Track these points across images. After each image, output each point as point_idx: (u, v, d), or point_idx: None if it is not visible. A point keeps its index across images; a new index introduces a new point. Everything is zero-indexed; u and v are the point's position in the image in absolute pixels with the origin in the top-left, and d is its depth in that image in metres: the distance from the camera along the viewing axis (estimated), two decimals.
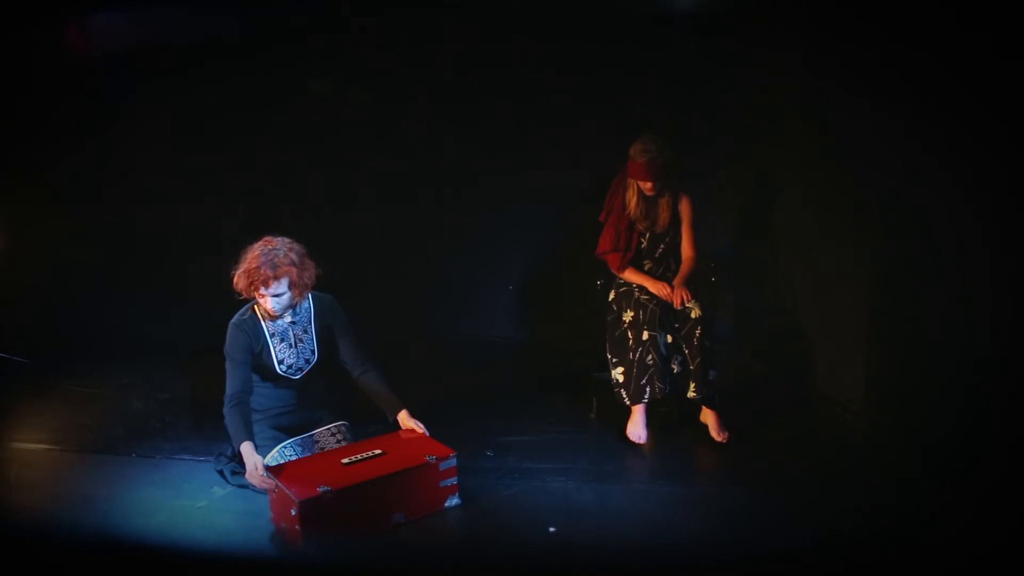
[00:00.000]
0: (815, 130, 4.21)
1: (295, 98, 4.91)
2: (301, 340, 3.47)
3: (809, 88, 4.22)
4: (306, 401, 3.55)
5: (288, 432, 3.45)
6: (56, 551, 2.69)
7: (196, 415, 4.03)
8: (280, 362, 3.43)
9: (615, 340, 3.85)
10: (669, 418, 3.95)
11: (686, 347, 3.76)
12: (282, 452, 3.35)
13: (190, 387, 4.38)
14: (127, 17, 4.48)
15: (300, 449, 3.39)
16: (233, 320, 3.39)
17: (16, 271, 4.92)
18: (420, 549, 3.08)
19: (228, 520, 3.20)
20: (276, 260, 3.24)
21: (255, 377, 3.44)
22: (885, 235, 3.79)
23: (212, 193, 5.06)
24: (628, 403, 3.79)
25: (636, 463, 3.71)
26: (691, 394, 3.75)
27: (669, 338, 3.77)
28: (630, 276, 3.94)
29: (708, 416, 3.81)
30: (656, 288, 3.81)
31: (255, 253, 3.27)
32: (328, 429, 3.50)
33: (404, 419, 3.42)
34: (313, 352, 3.50)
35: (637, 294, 3.84)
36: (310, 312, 3.49)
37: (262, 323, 3.40)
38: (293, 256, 3.28)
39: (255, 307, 3.41)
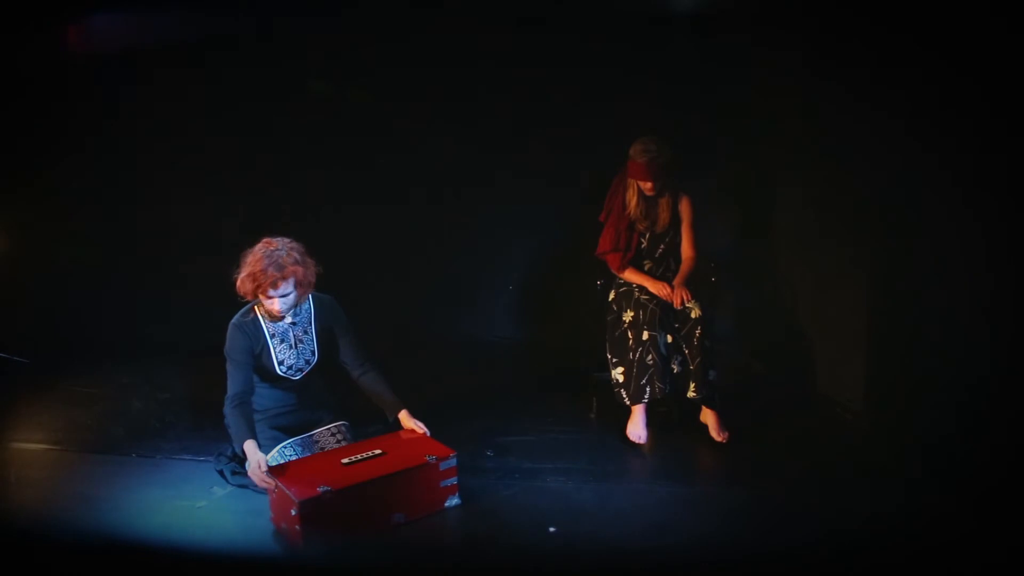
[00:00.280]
0: (815, 130, 4.21)
1: (295, 98, 4.91)
2: (301, 341, 3.47)
3: (809, 88, 4.21)
4: (306, 401, 3.55)
5: (288, 432, 3.45)
6: (56, 551, 2.69)
7: (196, 415, 4.03)
8: (280, 363, 3.43)
9: (615, 340, 3.85)
10: (669, 418, 3.95)
11: (686, 347, 3.76)
12: (282, 452, 3.35)
13: (190, 387, 4.38)
14: (127, 16, 4.48)
15: (300, 449, 3.39)
16: (233, 321, 3.39)
17: (16, 271, 4.92)
18: (420, 549, 3.08)
19: (228, 520, 3.20)
20: (281, 260, 3.24)
21: (255, 378, 3.44)
22: (885, 235, 3.79)
23: (212, 193, 5.06)
24: (628, 403, 3.79)
25: (636, 463, 3.71)
26: (691, 394, 3.75)
27: (669, 338, 3.77)
28: (630, 276, 3.94)
29: (708, 416, 3.81)
30: (656, 288, 3.81)
31: (258, 255, 3.26)
32: (328, 429, 3.50)
33: (405, 419, 3.42)
34: (313, 353, 3.50)
35: (637, 294, 3.84)
36: (310, 313, 3.49)
37: (262, 324, 3.40)
38: (296, 255, 3.28)
39: (255, 308, 3.41)
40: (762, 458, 3.65)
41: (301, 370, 3.49)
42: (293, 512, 2.95)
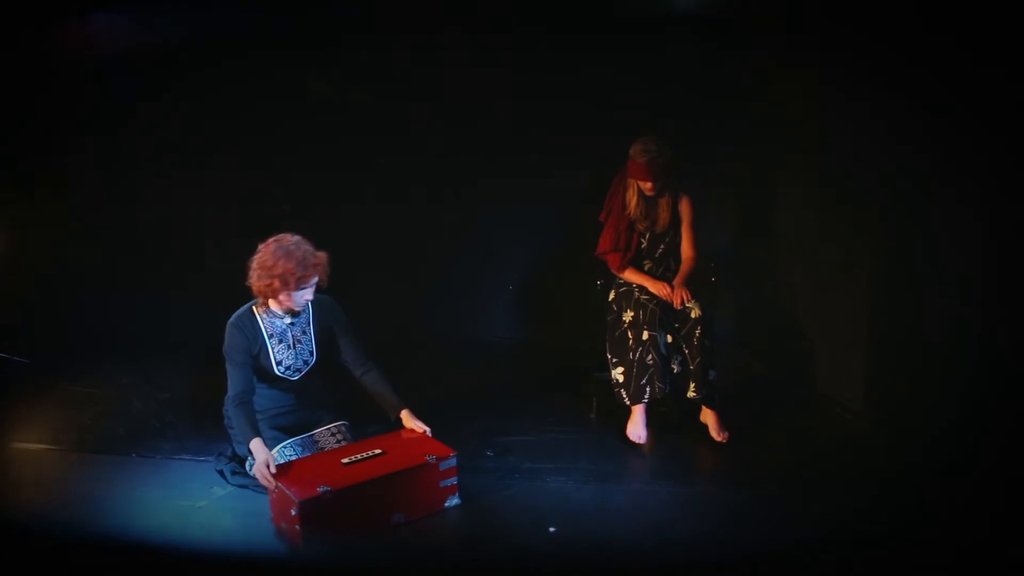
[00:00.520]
0: (815, 130, 4.21)
1: (296, 98, 4.90)
2: (300, 341, 3.47)
3: (809, 88, 4.21)
4: (306, 402, 3.55)
5: (288, 432, 3.45)
6: (56, 551, 2.69)
7: (196, 415, 4.03)
8: (278, 363, 3.43)
9: (615, 340, 3.85)
10: (669, 418, 3.95)
11: (686, 347, 3.76)
12: (282, 452, 3.35)
13: (190, 387, 4.38)
14: (128, 17, 4.48)
15: (300, 449, 3.39)
16: (231, 320, 3.38)
17: (16, 271, 4.92)
18: (420, 549, 3.08)
19: (228, 520, 3.20)
20: (306, 258, 3.25)
21: (254, 378, 3.43)
22: (885, 235, 3.79)
23: (213, 193, 5.06)
24: (628, 403, 3.79)
25: (636, 463, 3.71)
26: (691, 394, 3.75)
27: (669, 338, 3.78)
28: (630, 276, 3.94)
29: (708, 416, 3.81)
30: (656, 288, 3.81)
31: (282, 254, 3.24)
32: (328, 429, 3.50)
33: (407, 419, 3.42)
34: (312, 353, 3.50)
35: (637, 294, 3.84)
36: (309, 313, 3.49)
37: (260, 324, 3.40)
38: (311, 250, 3.30)
39: (254, 307, 3.41)
40: (762, 458, 3.65)
41: (299, 371, 3.49)
42: (293, 512, 2.95)
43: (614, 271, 4.00)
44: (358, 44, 4.74)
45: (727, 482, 3.53)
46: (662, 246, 3.99)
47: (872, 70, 3.67)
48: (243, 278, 3.38)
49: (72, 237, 5.09)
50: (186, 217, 5.07)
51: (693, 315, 3.74)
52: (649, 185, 3.84)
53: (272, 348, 3.41)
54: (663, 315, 3.76)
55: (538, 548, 3.01)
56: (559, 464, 3.61)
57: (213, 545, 3.03)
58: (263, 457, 3.11)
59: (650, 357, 3.72)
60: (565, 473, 3.53)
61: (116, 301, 5.11)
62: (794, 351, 4.44)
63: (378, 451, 3.26)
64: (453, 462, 3.24)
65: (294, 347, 3.45)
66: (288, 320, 3.43)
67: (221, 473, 3.47)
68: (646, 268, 3.99)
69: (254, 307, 3.41)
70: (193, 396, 4.26)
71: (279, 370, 3.43)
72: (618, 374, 3.81)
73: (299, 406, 3.53)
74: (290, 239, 3.29)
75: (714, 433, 3.78)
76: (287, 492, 2.99)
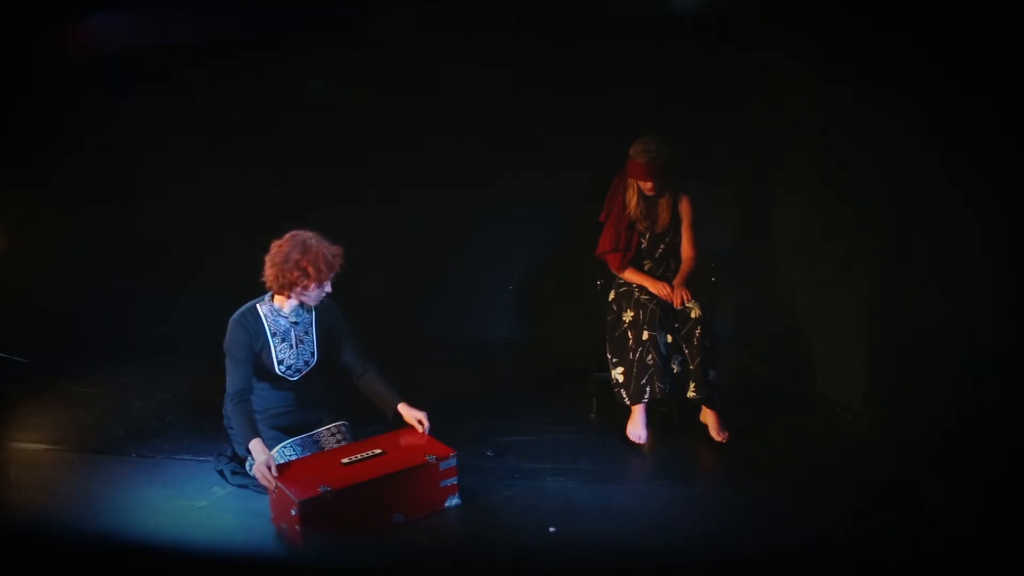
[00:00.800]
0: (815, 130, 4.21)
1: (295, 98, 4.90)
2: (302, 341, 3.47)
3: (809, 88, 4.21)
4: (306, 402, 3.54)
5: (288, 432, 3.44)
6: (56, 551, 2.69)
7: (196, 415, 4.03)
8: (280, 362, 3.43)
9: (615, 340, 3.85)
10: (669, 418, 3.95)
11: (686, 347, 3.76)
12: (282, 452, 3.35)
13: (190, 387, 4.38)
14: (127, 16, 4.48)
15: (300, 449, 3.39)
16: (235, 316, 3.38)
17: (16, 271, 4.92)
18: (420, 549, 3.08)
19: (228, 520, 3.20)
20: (333, 253, 3.28)
21: (253, 377, 3.43)
22: (885, 235, 3.79)
23: (213, 193, 5.06)
24: (628, 403, 3.79)
25: (636, 463, 3.71)
26: (691, 394, 3.75)
27: (669, 338, 3.78)
28: (630, 276, 3.94)
29: (708, 416, 3.81)
30: (656, 288, 3.81)
31: (313, 245, 3.26)
32: (328, 429, 3.49)
33: (404, 410, 3.41)
34: (313, 355, 3.50)
35: (637, 294, 3.84)
36: (312, 314, 3.49)
37: (264, 321, 3.40)
38: (332, 246, 3.34)
39: (258, 305, 3.41)
40: (762, 458, 3.65)
41: (300, 371, 3.48)
42: (293, 512, 2.95)
43: (614, 271, 4.00)
44: (358, 44, 4.74)
45: (727, 482, 3.53)
46: (662, 246, 3.99)
47: (872, 70, 3.67)
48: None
49: (72, 237, 5.09)
50: (186, 217, 5.07)
51: (693, 315, 3.74)
52: (649, 185, 3.84)
53: (275, 346, 3.41)
54: (663, 315, 3.76)
55: (538, 548, 3.01)
56: (559, 464, 3.61)
57: (213, 545, 3.03)
58: (263, 457, 3.11)
59: (650, 357, 3.72)
60: (565, 473, 3.53)
61: (116, 301, 5.11)
62: (794, 351, 4.44)
63: (378, 451, 3.26)
64: (453, 462, 3.24)
65: (296, 347, 3.45)
66: (292, 319, 3.43)
67: (221, 473, 3.47)
68: (646, 268, 3.99)
69: (258, 305, 3.41)
70: (193, 396, 4.26)
71: (280, 369, 3.43)
72: (618, 374, 3.81)
73: (299, 406, 3.53)
74: (311, 234, 3.30)
75: (714, 433, 3.78)
76: (287, 492, 2.99)
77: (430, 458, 3.21)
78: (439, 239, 5.13)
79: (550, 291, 5.05)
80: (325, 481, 3.03)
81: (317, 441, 3.45)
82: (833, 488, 3.37)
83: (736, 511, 3.25)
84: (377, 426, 3.53)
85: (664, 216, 3.94)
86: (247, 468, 3.32)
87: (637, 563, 2.87)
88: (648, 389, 3.73)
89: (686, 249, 3.98)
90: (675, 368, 3.78)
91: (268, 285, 3.34)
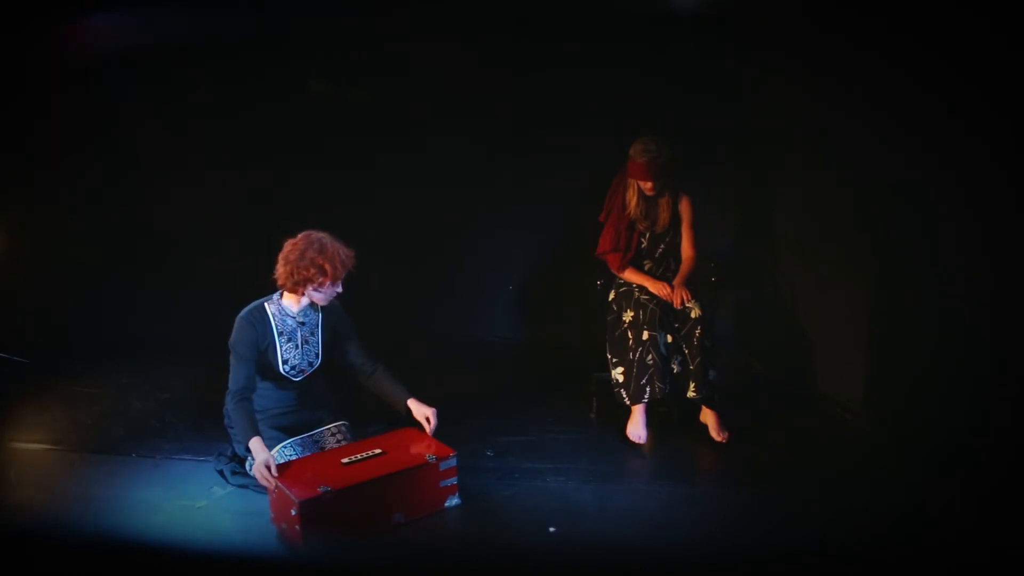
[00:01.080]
0: (815, 130, 4.21)
1: (295, 98, 4.90)
2: (307, 342, 3.47)
3: (809, 88, 4.21)
4: (307, 402, 3.54)
5: (288, 432, 3.44)
6: (56, 551, 2.69)
7: (196, 415, 4.03)
8: (284, 362, 3.42)
9: (615, 340, 3.85)
10: (669, 418, 3.95)
11: (686, 347, 3.76)
12: (282, 452, 3.35)
13: (190, 387, 4.38)
14: (127, 16, 4.48)
15: (300, 449, 3.39)
16: (242, 314, 3.37)
17: (16, 271, 4.92)
18: (420, 549, 3.08)
19: (228, 520, 3.20)
20: (348, 253, 3.29)
21: (256, 376, 3.43)
22: (885, 235, 3.79)
23: (213, 193, 5.06)
24: (628, 403, 3.79)
25: (636, 463, 3.71)
26: (691, 394, 3.75)
27: (669, 338, 3.78)
28: (630, 276, 3.94)
29: (708, 416, 3.81)
30: (656, 288, 3.81)
31: (328, 243, 3.27)
32: (328, 429, 3.49)
33: (413, 406, 3.42)
34: (317, 356, 3.50)
35: (637, 294, 3.84)
36: (319, 315, 3.49)
37: (272, 320, 3.40)
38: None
39: (266, 304, 3.41)
40: (762, 458, 3.65)
41: (303, 371, 3.48)
42: (293, 512, 2.95)
43: (614, 271, 4.00)
44: (358, 43, 4.74)
45: (727, 482, 3.53)
46: (662, 246, 3.99)
47: (872, 70, 3.66)
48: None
49: (72, 237, 5.09)
50: (186, 217, 5.07)
51: (693, 315, 3.74)
52: (649, 185, 3.84)
53: (280, 346, 3.41)
54: (663, 315, 3.76)
55: (538, 548, 3.01)
56: (559, 464, 3.61)
57: (213, 545, 3.03)
58: (262, 457, 3.11)
59: (650, 357, 3.72)
60: (565, 473, 3.53)
61: (116, 301, 5.11)
62: (794, 351, 4.44)
63: (378, 451, 3.26)
64: (453, 462, 3.24)
65: (301, 347, 3.45)
66: (300, 319, 3.43)
67: (221, 473, 3.47)
68: (646, 268, 3.99)
69: (266, 304, 3.41)
70: (193, 396, 4.25)
71: (284, 369, 3.43)
72: (618, 374, 3.81)
73: (300, 406, 3.53)
74: (325, 234, 3.32)
75: (714, 433, 3.78)
76: (287, 492, 2.99)
77: (430, 458, 3.21)
78: (439, 239, 5.13)
79: (550, 291, 5.05)
80: (325, 481, 3.03)
81: (317, 441, 3.45)
82: (833, 488, 3.37)
83: (736, 511, 3.25)
84: (377, 426, 3.53)
85: (664, 216, 3.94)
86: (247, 468, 3.32)
87: (637, 563, 2.87)
88: (648, 389, 3.73)
89: (686, 249, 3.98)
90: (675, 368, 3.78)
91: (280, 283, 3.34)
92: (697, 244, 3.97)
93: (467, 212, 5.08)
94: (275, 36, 4.69)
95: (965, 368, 3.35)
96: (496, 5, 4.47)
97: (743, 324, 4.89)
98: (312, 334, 3.47)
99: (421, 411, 3.40)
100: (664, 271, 3.99)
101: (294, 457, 3.33)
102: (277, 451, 3.34)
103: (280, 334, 3.41)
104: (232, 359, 3.35)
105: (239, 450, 3.44)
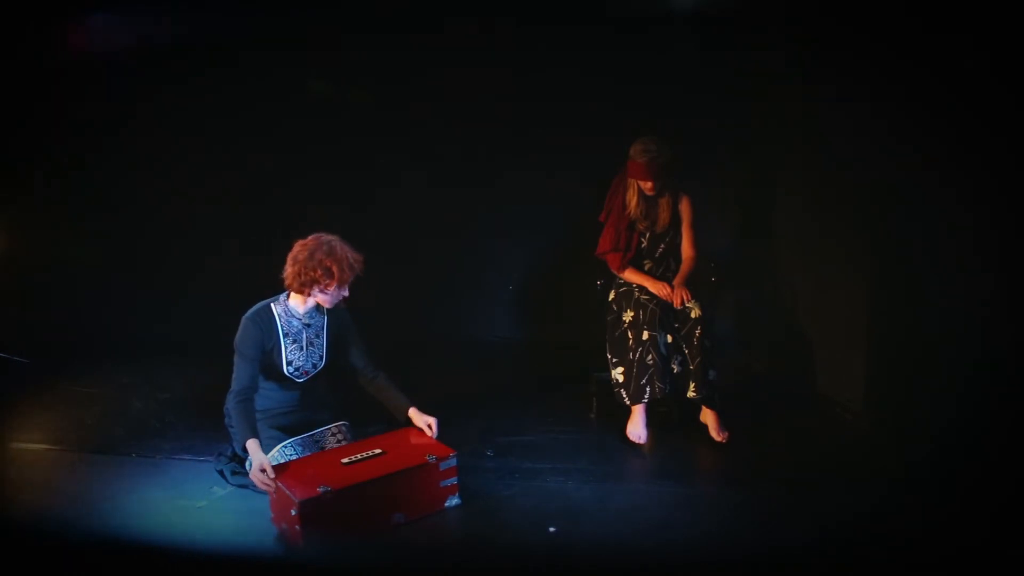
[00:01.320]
0: (815, 131, 4.21)
1: (296, 98, 4.91)
2: (312, 344, 3.47)
3: (809, 88, 4.21)
4: (308, 402, 3.54)
5: (289, 432, 3.44)
6: (56, 551, 2.69)
7: (196, 415, 4.03)
8: (288, 363, 3.43)
9: (615, 340, 3.85)
10: (669, 418, 3.95)
11: (686, 347, 3.76)
12: (282, 452, 3.35)
13: (190, 387, 4.38)
14: (128, 17, 4.48)
15: (301, 448, 3.39)
16: (248, 315, 3.37)
17: (16, 271, 4.92)
18: (420, 549, 3.08)
19: (228, 520, 3.20)
20: (353, 258, 3.29)
21: (259, 376, 3.43)
22: (885, 235, 3.79)
23: (213, 193, 5.06)
24: (628, 403, 3.79)
25: (636, 463, 3.71)
26: (691, 394, 3.75)
27: (669, 338, 3.78)
28: (630, 276, 3.94)
29: (708, 416, 3.81)
30: (656, 288, 3.81)
31: (337, 246, 3.28)
32: (328, 429, 3.49)
33: (414, 415, 3.42)
34: (321, 358, 3.50)
35: (637, 294, 3.84)
36: (324, 318, 3.49)
37: (278, 321, 3.40)
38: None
39: (272, 305, 3.41)
40: (762, 458, 3.65)
41: (307, 373, 3.48)
42: (293, 512, 2.95)
43: (614, 271, 4.00)
44: (358, 44, 4.74)
45: (727, 482, 3.53)
46: (662, 246, 3.99)
47: (872, 70, 3.66)
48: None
49: (72, 237, 5.10)
50: (186, 217, 5.08)
51: (693, 315, 3.74)
52: (649, 185, 3.84)
53: (285, 347, 3.41)
54: (663, 315, 3.77)
55: (538, 548, 3.01)
56: (559, 464, 3.61)
57: (213, 545, 3.03)
58: (258, 461, 3.11)
59: (650, 357, 3.72)
60: (565, 473, 3.53)
61: (116, 301, 5.11)
62: (794, 351, 4.44)
63: (378, 451, 3.26)
64: (453, 462, 3.24)
65: (306, 349, 3.45)
66: (305, 321, 3.43)
67: (221, 473, 3.47)
68: (646, 268, 3.99)
69: (273, 304, 3.41)
70: (193, 396, 4.26)
71: (288, 370, 3.43)
72: (618, 374, 3.81)
73: (301, 406, 3.53)
74: (334, 237, 3.32)
75: (714, 433, 3.78)
76: (287, 492, 2.99)
77: (430, 458, 3.21)
78: (439, 239, 5.13)
79: (550, 291, 5.05)
80: (325, 481, 3.03)
81: (318, 441, 3.45)
82: (833, 488, 3.37)
83: (736, 511, 3.25)
84: (377, 426, 3.53)
85: (664, 216, 3.94)
86: (247, 468, 3.32)
87: (637, 563, 2.87)
88: (648, 389, 3.73)
89: (686, 249, 3.98)
90: (675, 368, 3.78)
91: (288, 283, 3.34)
92: (697, 244, 3.97)
93: (467, 212, 5.08)
94: (275, 36, 4.68)
95: (965, 368, 3.35)
96: (496, 5, 4.47)
97: (743, 324, 4.89)
98: (317, 336, 3.47)
99: (422, 420, 3.40)
100: (664, 271, 3.99)
101: (294, 457, 3.33)
102: (278, 451, 3.34)
103: (285, 335, 3.41)
104: (236, 359, 3.35)
105: (239, 450, 3.44)
